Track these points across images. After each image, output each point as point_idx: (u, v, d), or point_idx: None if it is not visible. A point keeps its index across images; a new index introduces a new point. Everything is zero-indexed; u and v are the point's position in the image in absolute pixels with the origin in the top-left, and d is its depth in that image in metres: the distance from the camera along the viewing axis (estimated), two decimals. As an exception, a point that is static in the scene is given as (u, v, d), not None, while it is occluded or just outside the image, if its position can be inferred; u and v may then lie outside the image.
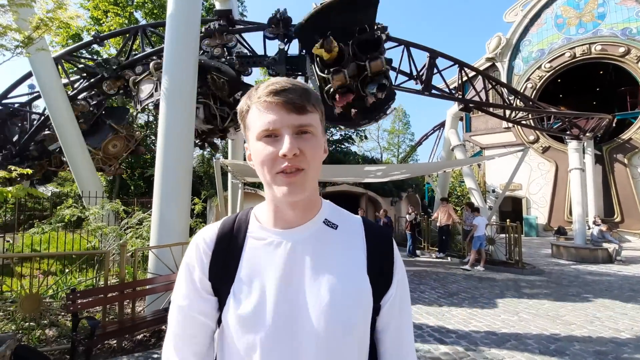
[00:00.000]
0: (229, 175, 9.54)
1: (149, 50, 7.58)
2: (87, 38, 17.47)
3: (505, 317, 4.70)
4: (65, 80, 7.53)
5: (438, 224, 9.73)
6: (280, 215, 0.68)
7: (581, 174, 10.47)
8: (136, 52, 7.96)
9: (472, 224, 8.25)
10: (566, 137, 11.71)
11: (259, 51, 7.89)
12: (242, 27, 8.21)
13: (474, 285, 6.62)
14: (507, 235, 9.01)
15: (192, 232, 5.21)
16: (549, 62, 15.66)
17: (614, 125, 13.74)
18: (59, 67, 7.31)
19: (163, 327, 3.86)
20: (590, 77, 16.90)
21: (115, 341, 3.35)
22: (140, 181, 15.26)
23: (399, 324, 0.70)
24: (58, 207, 5.57)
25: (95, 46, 15.14)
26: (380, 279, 0.68)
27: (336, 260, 0.67)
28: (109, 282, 3.61)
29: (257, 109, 0.63)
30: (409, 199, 16.29)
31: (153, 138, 19.52)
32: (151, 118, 20.02)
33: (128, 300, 3.72)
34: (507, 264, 8.58)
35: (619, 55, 13.78)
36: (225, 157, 13.46)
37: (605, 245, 9.43)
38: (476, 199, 10.07)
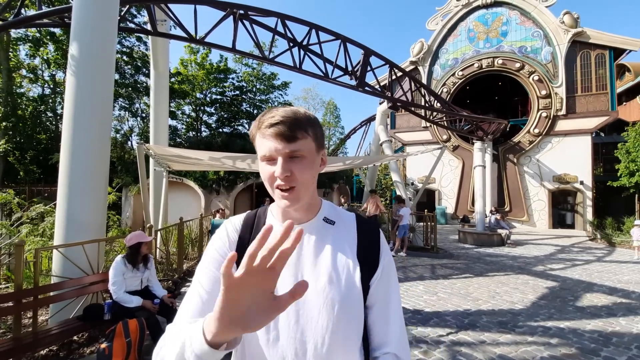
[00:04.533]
0: (151, 161, 8.61)
1: (46, 9, 6.30)
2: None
3: (427, 297, 5.25)
4: None
5: (367, 214, 10.31)
6: (286, 215, 0.85)
7: (483, 170, 12.15)
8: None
9: (399, 214, 8.95)
10: (472, 138, 13.47)
11: (190, 26, 7.22)
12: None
13: (398, 269, 7.22)
14: (424, 223, 10.05)
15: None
16: (461, 70, 17.64)
17: (507, 129, 16.22)
18: None
19: (75, 337, 3.34)
20: (491, 87, 19.60)
21: (11, 361, 2.76)
22: (33, 166, 12.78)
23: (385, 300, 0.83)
24: None
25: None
26: (368, 262, 0.83)
27: (332, 249, 0.82)
28: (-1, 290, 2.94)
29: (259, 137, 0.77)
30: (340, 190, 16.94)
31: (49, 115, 16.51)
32: (47, 91, 16.85)
33: (26, 311, 3.10)
34: (425, 249, 9.59)
35: (515, 70, 16.24)
36: (147, 141, 12.10)
37: (499, 230, 11.21)
38: (400, 191, 10.94)
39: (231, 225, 0.88)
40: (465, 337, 3.77)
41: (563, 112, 15.39)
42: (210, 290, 0.76)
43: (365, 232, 0.87)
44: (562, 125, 15.54)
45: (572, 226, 15.84)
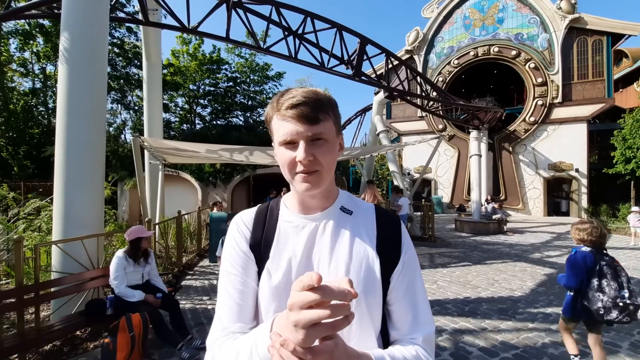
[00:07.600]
0: (147, 155, 8.51)
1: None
2: None
3: (427, 286, 5.29)
4: None
5: (365, 205, 10.33)
6: (303, 203, 0.81)
7: (479, 159, 12.18)
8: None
9: (397, 204, 8.97)
10: (468, 127, 13.46)
11: (182, 15, 7.05)
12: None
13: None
14: (422, 213, 10.10)
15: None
16: (457, 59, 17.52)
17: (503, 118, 16.22)
18: None
19: (78, 332, 3.32)
20: (487, 75, 19.52)
21: (16, 356, 2.75)
22: (26, 161, 12.59)
23: (410, 295, 0.78)
24: None
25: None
26: (388, 256, 0.79)
27: (350, 239, 0.78)
28: (-2, 287, 2.91)
29: (277, 120, 0.73)
30: (336, 181, 16.94)
31: (41, 109, 16.21)
32: (38, 84, 16.51)
33: (28, 308, 3.07)
34: (422, 238, 9.67)
35: (511, 57, 16.18)
36: (141, 134, 11.94)
37: (494, 217, 11.32)
38: (398, 181, 10.95)
39: (242, 222, 0.84)
40: (466, 324, 3.82)
41: (559, 99, 15.41)
42: (241, 293, 0.77)
43: (385, 225, 0.83)
44: (558, 113, 15.58)
45: (567, 214, 16.03)
